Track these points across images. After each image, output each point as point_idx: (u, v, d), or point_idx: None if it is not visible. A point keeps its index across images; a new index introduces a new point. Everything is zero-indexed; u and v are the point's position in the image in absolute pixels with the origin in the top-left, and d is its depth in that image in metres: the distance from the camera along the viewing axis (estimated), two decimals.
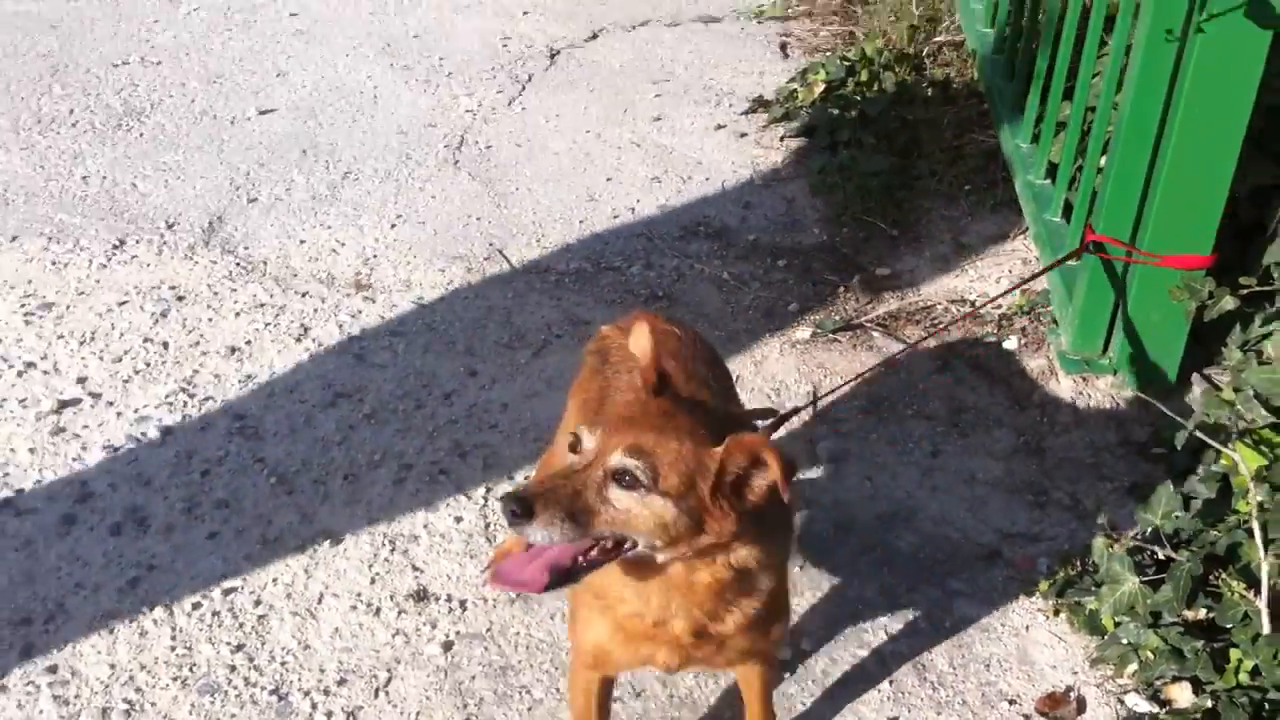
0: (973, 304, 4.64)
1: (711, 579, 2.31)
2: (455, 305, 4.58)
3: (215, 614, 3.35)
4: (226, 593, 3.41)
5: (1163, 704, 3.22)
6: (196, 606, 3.37)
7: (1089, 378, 4.23)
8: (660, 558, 2.25)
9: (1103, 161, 4.19)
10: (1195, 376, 4.20)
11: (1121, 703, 3.24)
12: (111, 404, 4.03)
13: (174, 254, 4.80)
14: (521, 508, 2.10)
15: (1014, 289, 4.39)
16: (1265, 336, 4.05)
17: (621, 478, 2.16)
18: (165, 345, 4.30)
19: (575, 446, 2.25)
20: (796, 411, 3.21)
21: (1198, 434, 3.49)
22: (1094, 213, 4.11)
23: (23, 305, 4.45)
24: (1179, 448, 3.57)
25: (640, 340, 2.40)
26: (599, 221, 5.15)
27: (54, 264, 4.70)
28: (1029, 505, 3.83)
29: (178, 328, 4.39)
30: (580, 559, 2.21)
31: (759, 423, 2.74)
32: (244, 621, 3.34)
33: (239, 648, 3.27)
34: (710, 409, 2.54)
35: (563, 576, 2.20)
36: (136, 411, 4.00)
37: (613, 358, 2.97)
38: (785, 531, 2.48)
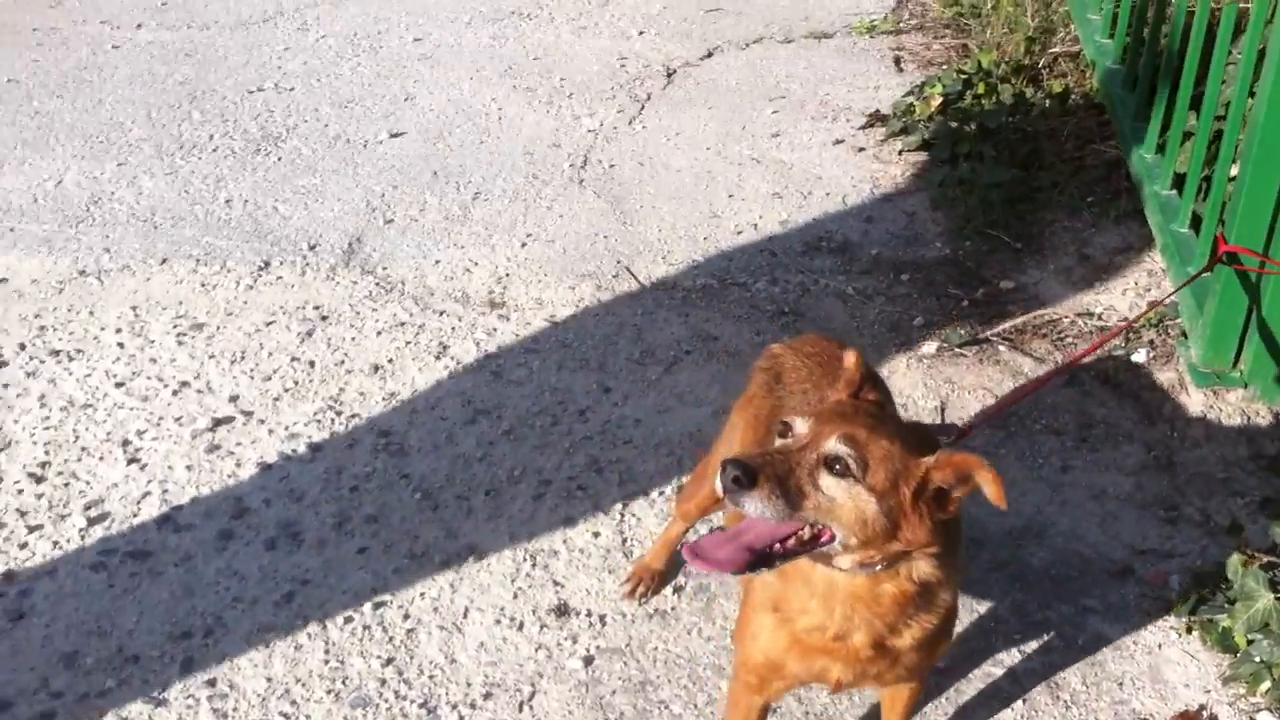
0: (1099, 316, 4.65)
1: (896, 591, 2.36)
2: (586, 322, 4.70)
3: (366, 628, 3.50)
4: (376, 606, 3.55)
5: None
6: (348, 620, 3.51)
7: (1219, 391, 4.21)
8: (847, 560, 2.29)
9: (1233, 170, 4.19)
10: None
11: None
12: (263, 422, 4.21)
13: (316, 275, 4.99)
14: (746, 476, 2.12)
15: (1150, 310, 4.37)
16: None
17: (833, 464, 2.19)
18: (312, 364, 4.48)
19: (785, 432, 2.30)
20: (972, 428, 3.23)
21: None
22: (1226, 223, 4.10)
23: (175, 326, 4.66)
24: None
25: (850, 357, 2.50)
26: (723, 238, 5.24)
27: (203, 285, 4.91)
28: (1160, 521, 3.84)
29: (323, 347, 4.57)
30: (778, 546, 2.23)
31: (941, 438, 2.79)
32: (393, 635, 3.48)
33: (389, 661, 3.40)
34: (903, 422, 2.61)
35: (759, 561, 2.22)
36: (287, 429, 4.18)
37: (786, 378, 3.03)
38: (958, 548, 2.53)
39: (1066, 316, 4.68)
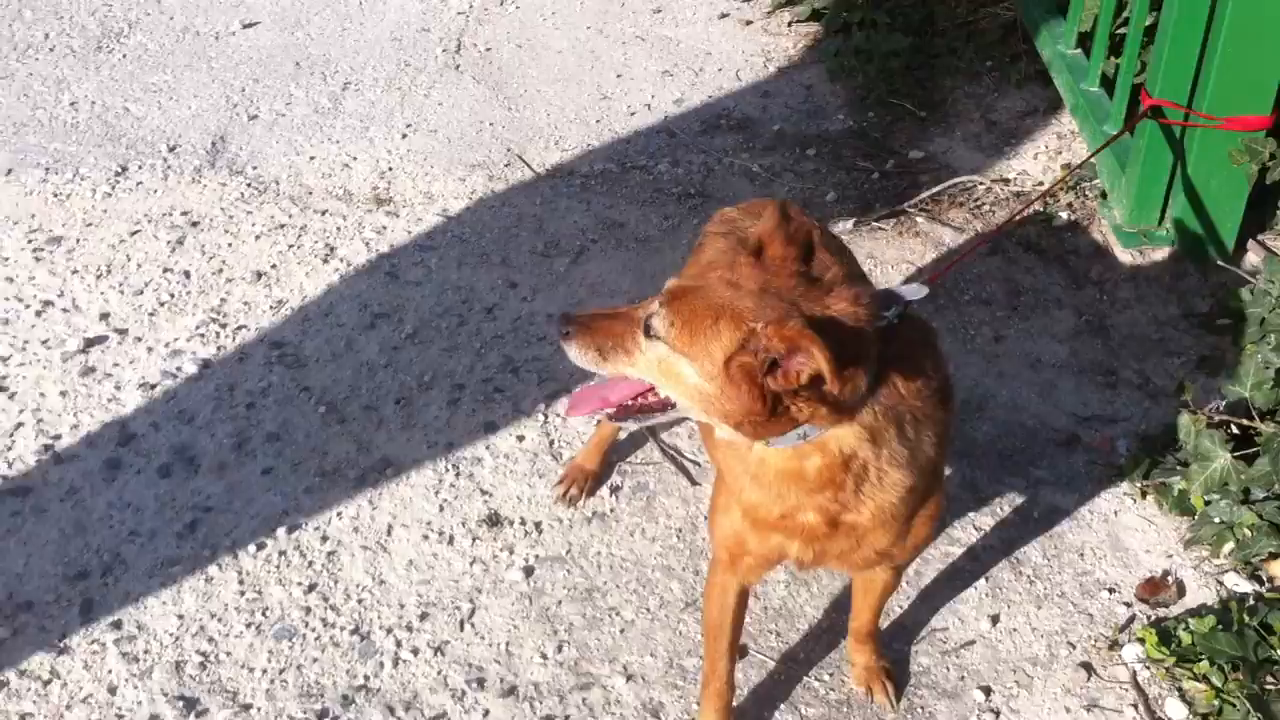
0: (1013, 181, 4.51)
1: (822, 464, 2.19)
2: (483, 215, 4.39)
3: (282, 553, 3.20)
4: (290, 530, 3.26)
5: (1263, 581, 3.15)
6: (261, 547, 3.21)
7: (1145, 250, 4.10)
8: (721, 432, 2.23)
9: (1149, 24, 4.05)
10: (1251, 243, 4.10)
11: (1221, 584, 3.15)
12: (140, 339, 3.83)
13: (180, 178, 4.56)
14: (566, 325, 2.25)
15: (1088, 158, 4.21)
16: None
17: (648, 326, 2.17)
18: (187, 274, 4.10)
19: None
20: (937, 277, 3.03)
21: None
22: (1147, 77, 3.96)
23: (30, 241, 4.22)
24: None
25: (767, 216, 2.26)
26: (616, 120, 4.95)
27: (56, 195, 4.46)
28: (1099, 386, 3.72)
29: (197, 255, 4.18)
30: (636, 399, 2.29)
31: (912, 286, 2.52)
32: (313, 560, 3.19)
33: (311, 587, 3.12)
34: (822, 282, 2.32)
35: (623, 411, 2.31)
36: (168, 346, 3.81)
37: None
38: (928, 424, 2.30)
39: (981, 184, 4.52)
